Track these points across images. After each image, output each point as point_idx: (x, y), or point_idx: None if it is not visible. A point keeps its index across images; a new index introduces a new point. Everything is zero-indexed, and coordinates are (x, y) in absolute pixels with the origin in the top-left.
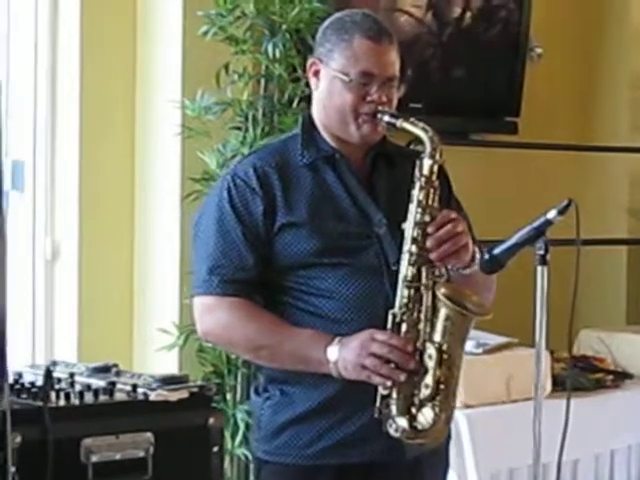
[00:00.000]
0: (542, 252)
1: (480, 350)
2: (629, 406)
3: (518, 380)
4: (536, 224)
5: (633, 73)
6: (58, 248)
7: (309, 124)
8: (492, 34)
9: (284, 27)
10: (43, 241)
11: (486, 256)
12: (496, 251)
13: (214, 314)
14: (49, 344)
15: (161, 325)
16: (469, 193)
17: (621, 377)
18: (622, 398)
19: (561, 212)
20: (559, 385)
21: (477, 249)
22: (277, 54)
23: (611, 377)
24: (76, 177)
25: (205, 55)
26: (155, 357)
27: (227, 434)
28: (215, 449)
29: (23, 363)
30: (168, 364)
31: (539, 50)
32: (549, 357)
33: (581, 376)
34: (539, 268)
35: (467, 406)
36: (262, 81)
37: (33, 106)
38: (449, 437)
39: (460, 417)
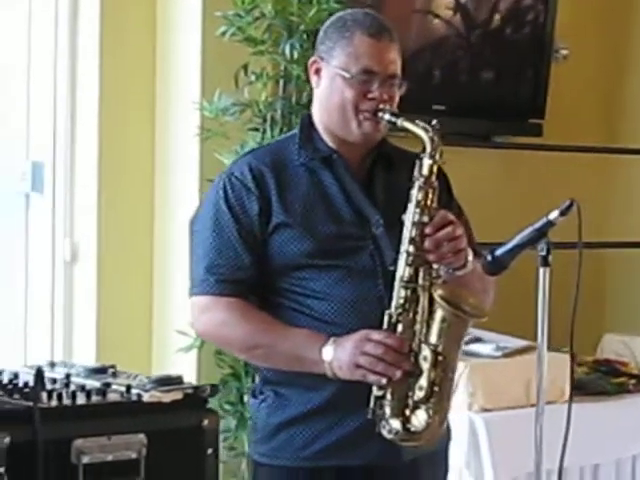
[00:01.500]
0: (544, 253)
1: (499, 353)
2: None
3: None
4: (538, 225)
5: None
6: (77, 249)
7: (308, 124)
8: (519, 36)
9: (302, 27)
10: (62, 242)
11: (488, 257)
12: (498, 252)
13: (210, 314)
14: (68, 345)
15: (180, 327)
16: (493, 195)
17: None
18: None
19: (563, 213)
20: (581, 389)
21: (471, 252)
22: (295, 55)
23: (634, 381)
24: (95, 178)
25: (224, 56)
26: (174, 359)
27: (244, 437)
28: (209, 451)
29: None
30: (186, 366)
31: (565, 52)
32: (569, 361)
33: (603, 380)
34: (541, 270)
35: (485, 410)
36: (280, 82)
37: (53, 107)
38: (449, 439)
39: (478, 421)
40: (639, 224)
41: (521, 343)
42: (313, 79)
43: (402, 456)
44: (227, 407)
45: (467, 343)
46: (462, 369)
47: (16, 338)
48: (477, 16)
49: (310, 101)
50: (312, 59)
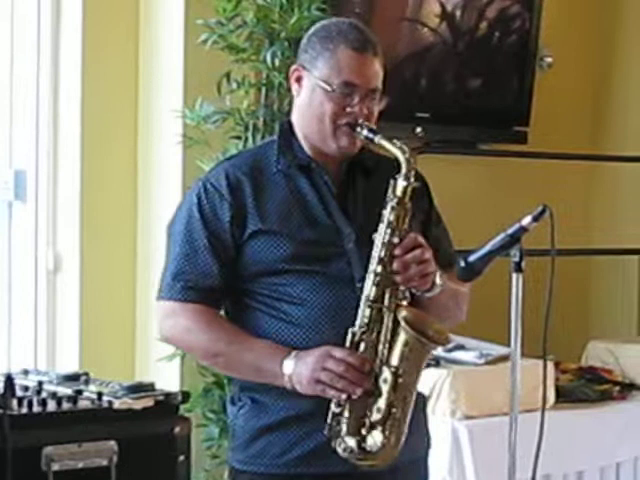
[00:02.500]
0: (517, 259)
1: (482, 361)
2: (636, 418)
3: (520, 391)
4: (510, 231)
5: None
6: (60, 259)
7: (287, 131)
8: (505, 44)
9: (283, 35)
10: (45, 252)
11: (461, 263)
12: (471, 259)
13: (174, 319)
14: (51, 355)
15: None
16: (477, 202)
17: (628, 388)
18: (628, 409)
19: (536, 219)
20: (565, 396)
21: (439, 274)
22: (277, 62)
23: (618, 388)
24: (78, 187)
25: (206, 64)
26: (157, 368)
27: (227, 444)
28: (181, 458)
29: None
30: (169, 374)
31: (549, 59)
32: (553, 368)
33: (587, 387)
34: (514, 275)
35: (468, 417)
36: (262, 90)
37: (35, 116)
38: (428, 447)
39: (461, 428)
40: (624, 231)
41: (504, 350)
42: (294, 87)
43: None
44: (210, 415)
45: (450, 350)
46: (445, 376)
47: None
48: (464, 24)
49: (291, 109)
50: (294, 67)
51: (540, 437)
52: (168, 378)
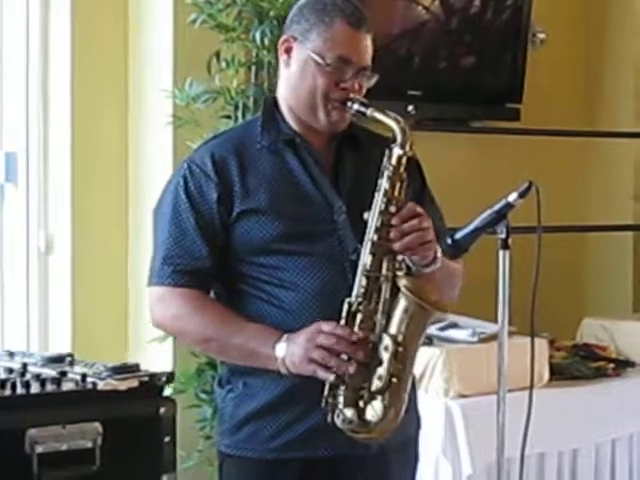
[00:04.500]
0: (504, 236)
1: (475, 339)
2: (630, 394)
3: (514, 369)
4: (497, 207)
5: (637, 58)
6: (52, 241)
7: (271, 106)
8: (497, 21)
9: (272, 14)
10: (37, 234)
11: (448, 240)
12: (457, 235)
13: (165, 305)
14: (43, 337)
15: None
16: (471, 180)
17: (622, 365)
18: (623, 386)
19: (522, 195)
20: (559, 374)
21: (439, 249)
22: (266, 41)
23: (612, 365)
24: (68, 168)
25: (195, 43)
26: (150, 349)
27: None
28: (167, 439)
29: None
30: (162, 355)
31: (542, 36)
32: (546, 346)
33: (581, 364)
34: (500, 252)
35: (462, 396)
36: (252, 69)
37: (25, 98)
38: (418, 427)
39: (454, 407)
40: (618, 207)
41: (497, 328)
42: (282, 58)
43: (370, 446)
44: (203, 396)
45: (443, 329)
46: (438, 355)
47: None
48: (456, 2)
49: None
50: (283, 37)
51: (528, 415)
52: (161, 359)
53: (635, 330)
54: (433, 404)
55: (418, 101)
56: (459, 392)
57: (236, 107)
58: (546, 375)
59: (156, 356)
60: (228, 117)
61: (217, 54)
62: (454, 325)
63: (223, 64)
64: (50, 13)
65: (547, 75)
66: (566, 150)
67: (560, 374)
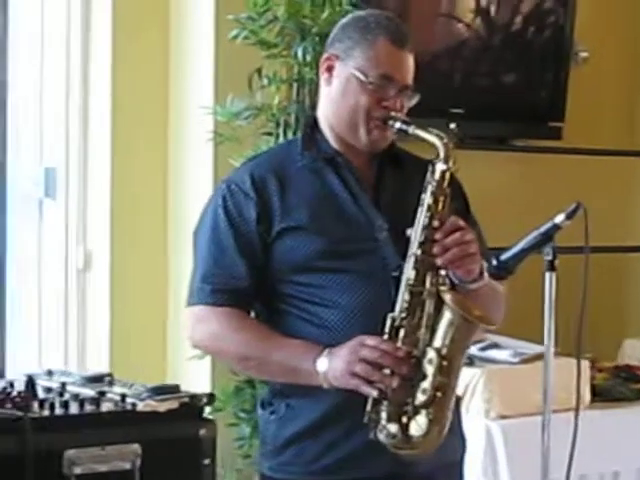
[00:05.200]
0: (550, 258)
1: (517, 359)
2: None
3: (557, 390)
4: (543, 229)
5: None
6: (90, 257)
7: (311, 126)
8: (539, 38)
9: (315, 30)
10: (75, 249)
11: (494, 262)
12: (503, 257)
13: (204, 324)
14: (81, 354)
15: None
16: (512, 199)
17: None
18: None
19: (569, 216)
20: (601, 395)
21: (485, 265)
22: (308, 58)
23: None
24: (108, 184)
25: (237, 59)
26: (188, 367)
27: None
28: (206, 461)
29: None
30: (200, 374)
31: (584, 54)
32: (588, 367)
33: (623, 386)
34: (547, 274)
35: (502, 417)
36: (294, 85)
37: (65, 112)
38: (464, 451)
39: (495, 428)
40: None
41: (539, 349)
42: (323, 76)
43: (415, 466)
44: (242, 415)
45: (484, 349)
46: (479, 375)
47: (30, 346)
48: (498, 19)
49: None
50: (325, 56)
51: (574, 437)
52: (199, 378)
53: None
54: (474, 425)
55: (460, 119)
56: (500, 413)
57: (277, 124)
58: (588, 396)
59: (194, 374)
60: (269, 134)
61: (259, 70)
62: (495, 345)
63: (265, 81)
64: (91, 28)
65: (590, 93)
66: (609, 169)
67: (601, 395)
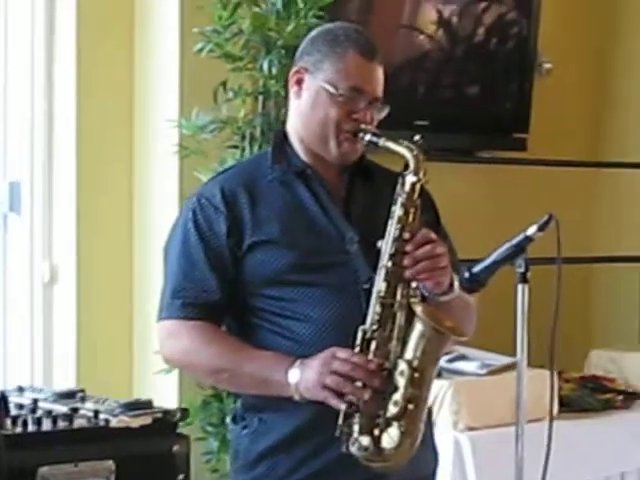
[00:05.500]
0: (522, 270)
1: (484, 371)
2: (639, 427)
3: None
4: (515, 241)
5: None
6: (56, 271)
7: (281, 138)
8: (502, 50)
9: (280, 43)
10: (41, 264)
11: (465, 274)
12: (475, 269)
13: (175, 339)
14: (48, 368)
15: None
16: (477, 211)
17: (631, 397)
18: (632, 419)
19: (541, 228)
20: (568, 406)
21: (456, 277)
22: (273, 71)
23: (621, 397)
24: (74, 198)
25: (202, 73)
26: (155, 381)
27: (227, 458)
28: (181, 477)
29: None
30: (167, 388)
31: (548, 65)
32: (556, 378)
33: (590, 396)
34: (519, 286)
35: (471, 428)
36: (259, 98)
37: (30, 127)
38: (436, 464)
39: (464, 440)
40: (626, 238)
41: (506, 360)
42: (293, 89)
43: (387, 479)
44: (209, 429)
45: (451, 361)
46: (447, 387)
47: None
48: (460, 31)
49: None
50: (294, 69)
51: (548, 448)
52: (166, 392)
53: None
54: (442, 437)
55: (425, 131)
56: (468, 425)
57: (243, 137)
58: (555, 407)
59: (161, 388)
60: (235, 147)
61: (224, 84)
62: (463, 357)
63: (230, 94)
64: (55, 40)
65: (554, 105)
66: (574, 180)
67: (569, 406)
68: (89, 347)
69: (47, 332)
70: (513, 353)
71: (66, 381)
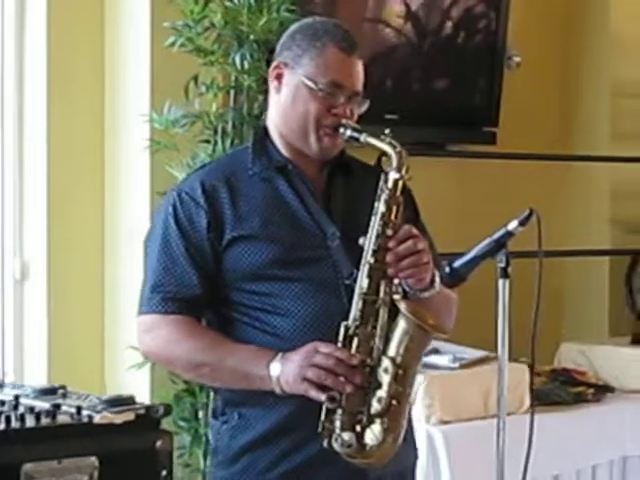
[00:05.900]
0: (503, 265)
1: (457, 365)
2: (610, 420)
3: (496, 395)
4: (496, 236)
5: (613, 81)
6: (27, 267)
7: (262, 134)
8: (471, 43)
9: (252, 37)
10: (12, 260)
11: (446, 269)
12: (456, 264)
13: (154, 333)
14: (19, 364)
15: (132, 343)
16: (448, 204)
17: (602, 390)
18: (603, 412)
19: (522, 223)
20: (539, 399)
21: (437, 273)
22: (245, 65)
23: (592, 391)
24: (44, 194)
25: (173, 67)
26: (126, 376)
27: (200, 453)
28: (164, 473)
29: None
30: (139, 382)
31: (517, 59)
32: (527, 371)
33: (561, 390)
34: (500, 281)
35: (443, 422)
36: (231, 92)
37: None
38: (416, 458)
39: (436, 433)
40: (596, 232)
41: (478, 354)
42: (272, 84)
43: (368, 475)
44: (182, 423)
45: (424, 355)
46: (419, 381)
47: None
48: (428, 24)
49: (262, 112)
50: (274, 64)
51: (530, 441)
52: (138, 387)
53: (612, 355)
54: (415, 431)
55: (394, 125)
56: (441, 418)
57: (215, 131)
58: (527, 400)
59: (133, 383)
60: (207, 141)
61: (195, 78)
62: (435, 351)
63: (202, 88)
64: (25, 35)
65: (523, 98)
66: (543, 174)
67: (540, 399)
68: (60, 343)
69: (18, 328)
70: (485, 346)
71: (38, 377)
